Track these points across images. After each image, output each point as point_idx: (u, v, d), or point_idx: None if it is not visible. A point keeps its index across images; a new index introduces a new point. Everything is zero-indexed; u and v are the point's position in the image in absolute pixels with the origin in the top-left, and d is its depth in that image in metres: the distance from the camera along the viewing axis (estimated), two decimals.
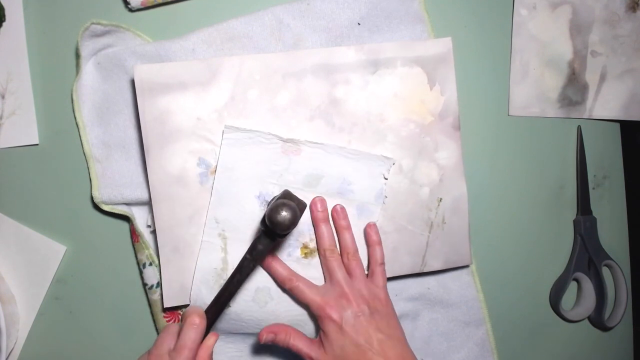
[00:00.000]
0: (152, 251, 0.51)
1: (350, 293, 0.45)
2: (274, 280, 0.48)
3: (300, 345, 0.45)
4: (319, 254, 0.49)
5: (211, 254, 0.48)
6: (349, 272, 0.47)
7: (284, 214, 0.41)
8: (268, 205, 0.47)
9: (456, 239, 0.52)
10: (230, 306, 0.48)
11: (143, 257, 0.51)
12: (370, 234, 0.49)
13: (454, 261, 0.52)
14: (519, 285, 0.57)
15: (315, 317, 0.49)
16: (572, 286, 0.58)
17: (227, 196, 0.48)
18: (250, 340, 0.51)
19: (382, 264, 0.48)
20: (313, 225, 0.49)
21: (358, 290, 0.46)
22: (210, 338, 0.43)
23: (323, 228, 0.48)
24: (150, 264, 0.51)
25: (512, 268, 0.57)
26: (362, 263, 0.49)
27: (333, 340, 0.44)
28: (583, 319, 0.57)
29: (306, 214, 0.49)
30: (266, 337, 0.45)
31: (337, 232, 0.49)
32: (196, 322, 0.42)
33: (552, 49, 0.55)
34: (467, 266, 0.54)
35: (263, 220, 0.43)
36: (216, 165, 0.48)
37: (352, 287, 0.46)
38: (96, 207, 0.52)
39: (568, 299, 0.58)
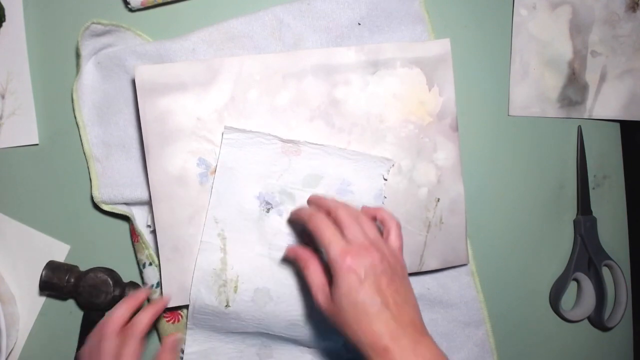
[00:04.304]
0: (152, 251, 0.51)
1: (372, 247, 0.40)
2: (275, 281, 0.48)
3: (312, 280, 0.42)
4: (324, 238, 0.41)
5: (210, 254, 0.48)
6: (361, 226, 0.42)
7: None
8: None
9: (453, 238, 0.52)
10: (229, 306, 0.48)
11: (143, 257, 0.51)
12: (369, 208, 0.46)
13: (451, 261, 0.52)
14: (519, 285, 0.57)
15: (317, 315, 0.49)
16: (572, 286, 0.58)
17: (226, 196, 0.48)
18: (250, 341, 0.51)
19: (398, 224, 0.44)
20: (311, 231, 0.43)
21: (379, 247, 0.41)
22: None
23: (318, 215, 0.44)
24: (150, 264, 0.51)
25: (512, 268, 0.57)
26: (374, 223, 0.44)
27: (345, 292, 0.39)
28: (583, 319, 0.57)
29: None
30: (287, 255, 0.46)
31: (333, 215, 0.43)
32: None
33: (552, 49, 0.55)
34: (466, 266, 0.54)
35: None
36: (216, 166, 0.48)
37: (373, 242, 0.41)
38: (96, 207, 0.52)
39: (568, 299, 0.58)
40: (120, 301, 0.46)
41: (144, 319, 0.45)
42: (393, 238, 0.43)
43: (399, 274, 0.41)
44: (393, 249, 0.42)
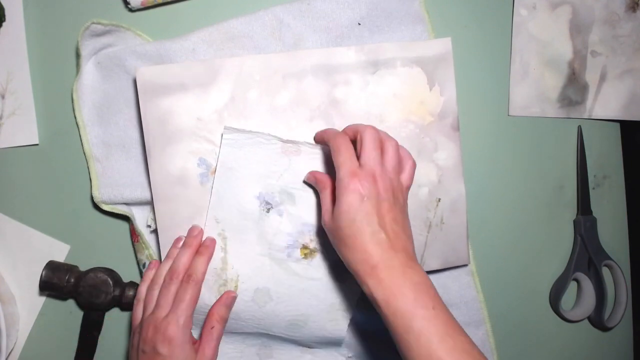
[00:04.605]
0: (152, 251, 0.51)
1: (382, 176, 0.41)
2: (275, 281, 0.48)
3: (323, 202, 0.44)
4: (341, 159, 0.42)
5: None
6: (383, 152, 0.43)
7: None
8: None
9: (454, 239, 0.52)
10: None
11: (143, 257, 0.51)
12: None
13: (452, 261, 0.52)
14: (519, 285, 0.57)
15: (316, 315, 0.49)
16: (572, 286, 0.58)
17: (227, 196, 0.48)
18: (250, 341, 0.51)
19: (414, 164, 0.45)
20: (329, 143, 0.44)
21: (389, 178, 0.42)
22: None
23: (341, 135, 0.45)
24: None
25: (512, 268, 0.57)
26: (398, 148, 0.44)
27: (345, 210, 0.40)
28: (583, 319, 0.57)
29: (308, 213, 0.48)
30: (308, 179, 0.47)
31: (360, 135, 0.43)
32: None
33: (552, 49, 0.55)
34: (466, 266, 0.54)
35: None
36: (216, 166, 0.48)
37: (385, 172, 0.42)
38: (96, 207, 0.52)
39: (568, 299, 0.58)
40: (182, 246, 0.47)
41: (202, 266, 0.46)
42: (405, 176, 0.44)
43: (400, 207, 0.42)
44: (402, 185, 0.43)
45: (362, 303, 0.50)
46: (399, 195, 0.42)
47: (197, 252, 0.47)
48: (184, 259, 0.46)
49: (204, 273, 0.46)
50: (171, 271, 0.46)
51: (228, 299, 0.47)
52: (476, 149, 0.55)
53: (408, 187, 0.44)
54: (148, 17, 0.53)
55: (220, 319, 0.46)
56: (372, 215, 0.39)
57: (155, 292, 0.46)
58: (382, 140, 0.43)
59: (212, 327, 0.45)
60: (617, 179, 0.58)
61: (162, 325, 0.43)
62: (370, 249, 0.39)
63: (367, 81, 0.50)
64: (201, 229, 0.48)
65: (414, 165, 0.45)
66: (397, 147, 0.44)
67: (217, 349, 0.45)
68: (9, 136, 0.53)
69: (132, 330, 0.46)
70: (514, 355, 0.57)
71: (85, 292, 0.50)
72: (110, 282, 0.51)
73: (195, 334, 0.48)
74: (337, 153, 0.42)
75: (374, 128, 0.44)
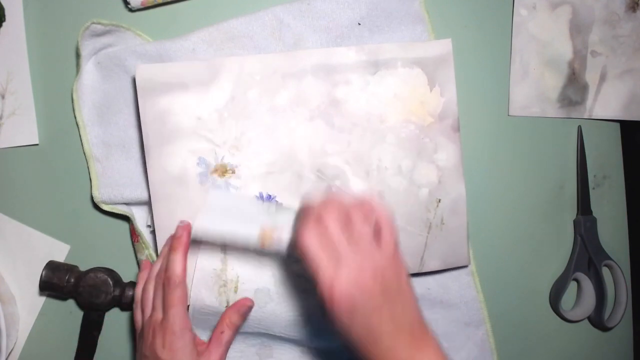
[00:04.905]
0: (152, 251, 0.51)
1: (364, 263, 0.36)
2: (275, 281, 0.48)
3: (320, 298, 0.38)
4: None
5: (211, 254, 0.48)
6: (349, 229, 0.37)
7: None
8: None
9: (454, 239, 0.52)
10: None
11: (143, 257, 0.51)
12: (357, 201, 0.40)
13: (452, 262, 0.52)
14: (519, 285, 0.57)
15: (317, 315, 0.49)
16: (572, 286, 0.58)
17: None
18: (250, 341, 0.51)
19: (389, 218, 0.39)
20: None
21: (371, 258, 0.36)
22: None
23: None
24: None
25: (512, 268, 0.57)
26: (364, 214, 0.38)
27: (339, 327, 0.36)
28: (583, 319, 0.57)
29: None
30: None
31: (324, 223, 0.38)
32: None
33: (552, 49, 0.55)
34: (466, 266, 0.54)
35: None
36: (216, 165, 0.48)
37: (365, 254, 0.36)
38: (96, 207, 0.52)
39: (568, 299, 0.58)
40: (170, 254, 0.44)
41: (178, 264, 0.43)
42: (386, 242, 0.38)
43: (394, 288, 0.37)
44: (386, 254, 0.38)
45: None
46: (388, 273, 0.37)
47: (171, 248, 0.44)
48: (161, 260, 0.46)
49: (183, 269, 0.43)
50: (162, 271, 0.45)
51: (242, 307, 0.45)
52: (476, 149, 0.55)
53: (394, 248, 0.38)
54: (148, 17, 0.53)
55: (230, 325, 0.45)
56: (366, 329, 0.36)
57: (150, 294, 0.45)
58: (345, 211, 0.38)
59: (222, 332, 0.44)
60: (617, 179, 0.58)
61: (160, 329, 0.42)
62: (375, 355, 0.36)
63: (368, 81, 0.50)
64: (188, 223, 0.46)
65: (389, 220, 0.39)
66: (362, 212, 0.38)
67: (225, 355, 0.44)
68: (9, 136, 0.53)
69: (137, 335, 0.46)
70: (514, 355, 0.57)
71: (85, 292, 0.50)
72: (110, 282, 0.51)
73: (198, 335, 0.49)
74: (308, 260, 0.37)
75: (332, 201, 0.39)
